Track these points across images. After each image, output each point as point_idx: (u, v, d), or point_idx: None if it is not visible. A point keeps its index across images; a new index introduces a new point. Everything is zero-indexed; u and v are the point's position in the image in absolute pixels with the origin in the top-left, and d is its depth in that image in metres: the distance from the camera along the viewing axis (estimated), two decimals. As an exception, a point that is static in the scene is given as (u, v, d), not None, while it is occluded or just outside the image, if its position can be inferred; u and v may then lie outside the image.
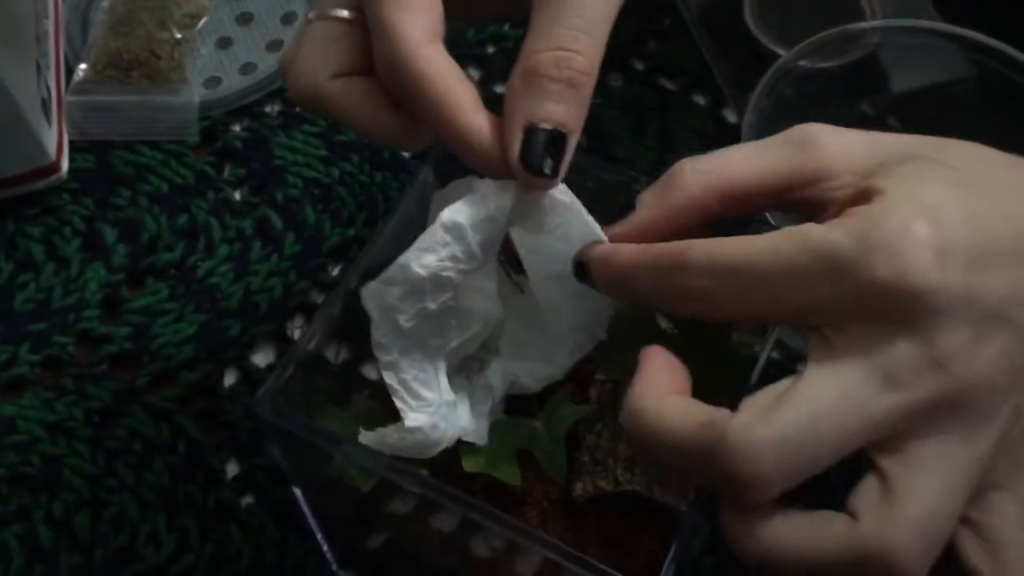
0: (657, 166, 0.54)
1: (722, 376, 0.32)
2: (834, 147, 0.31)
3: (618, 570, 0.33)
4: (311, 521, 0.39)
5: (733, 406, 0.28)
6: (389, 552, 0.41)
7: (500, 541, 0.36)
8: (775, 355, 0.48)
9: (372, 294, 0.32)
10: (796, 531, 0.28)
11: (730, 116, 0.55)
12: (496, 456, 0.35)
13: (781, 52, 0.49)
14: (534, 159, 0.31)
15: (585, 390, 0.37)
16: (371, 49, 0.33)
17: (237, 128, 0.54)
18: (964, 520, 0.30)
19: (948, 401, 0.28)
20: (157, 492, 0.43)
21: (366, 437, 0.33)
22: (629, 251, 0.31)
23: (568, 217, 0.33)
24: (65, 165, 0.52)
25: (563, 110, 0.32)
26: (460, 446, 0.35)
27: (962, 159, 0.31)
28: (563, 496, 0.35)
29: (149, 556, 0.41)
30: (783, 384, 0.28)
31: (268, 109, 0.55)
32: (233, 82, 0.56)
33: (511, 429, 0.36)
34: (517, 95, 0.32)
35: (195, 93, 0.54)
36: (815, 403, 0.27)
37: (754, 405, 0.28)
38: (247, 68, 0.56)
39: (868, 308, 0.28)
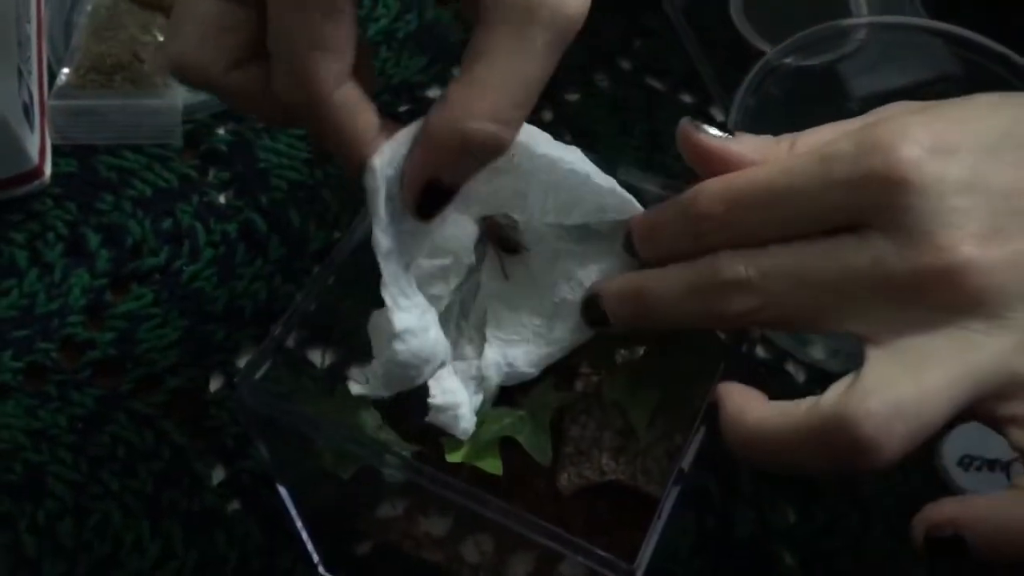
0: (644, 166, 0.54)
1: (700, 364, 0.33)
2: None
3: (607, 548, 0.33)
4: (297, 522, 0.39)
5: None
6: (377, 556, 0.40)
7: (489, 544, 0.36)
8: (764, 355, 0.48)
9: (373, 169, 0.31)
10: (770, 415, 0.29)
11: (717, 115, 0.55)
12: (479, 447, 0.35)
13: (767, 50, 0.49)
14: (428, 209, 0.32)
15: (570, 382, 0.37)
16: (262, 29, 0.31)
17: (221, 131, 0.54)
18: (1010, 420, 0.28)
19: (950, 296, 0.27)
20: (141, 499, 0.43)
21: (355, 387, 0.33)
22: (653, 209, 0.33)
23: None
24: (48, 170, 0.51)
25: (466, 177, 0.31)
26: (443, 437, 0.35)
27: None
28: (548, 487, 0.35)
29: (133, 563, 0.41)
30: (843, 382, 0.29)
31: (252, 112, 0.55)
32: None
33: (494, 419, 0.35)
34: (437, 145, 0.30)
35: (179, 97, 0.53)
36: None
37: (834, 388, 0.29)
38: (231, 71, 0.56)
39: (870, 206, 0.28)
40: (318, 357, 0.42)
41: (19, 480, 0.43)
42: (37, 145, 0.51)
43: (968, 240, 0.27)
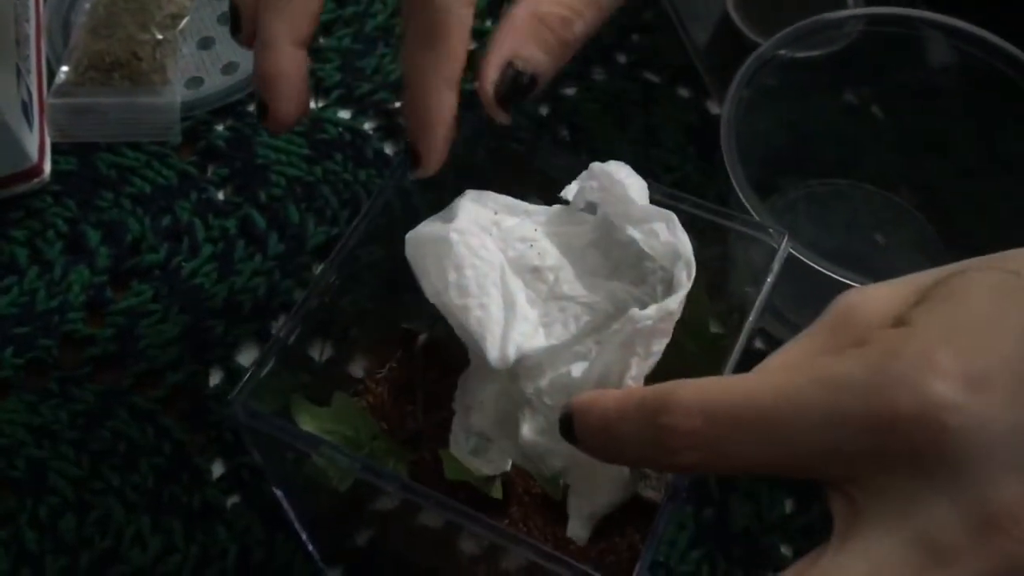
0: (641, 160, 0.54)
1: (698, 367, 0.32)
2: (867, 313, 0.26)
3: (600, 564, 0.33)
4: (295, 521, 0.39)
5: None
6: (375, 549, 0.41)
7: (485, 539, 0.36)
8: (761, 346, 0.48)
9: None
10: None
11: (714, 108, 0.55)
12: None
13: (762, 42, 0.49)
14: (507, 90, 0.34)
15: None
16: None
17: (220, 128, 0.54)
18: None
19: (1015, 572, 0.22)
20: (142, 493, 0.43)
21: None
22: (614, 395, 0.28)
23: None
24: (48, 168, 0.52)
25: (547, 62, 0.35)
26: (441, 448, 0.35)
27: (1020, 263, 0.25)
28: (545, 492, 0.35)
29: (135, 557, 0.41)
30: (804, 561, 0.24)
31: (251, 108, 0.55)
32: (215, 82, 0.56)
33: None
34: (515, 30, 0.34)
35: (177, 94, 0.54)
36: None
37: None
38: (229, 68, 0.56)
39: (894, 456, 0.23)
40: (316, 351, 0.42)
41: (21, 476, 0.43)
42: (36, 143, 0.51)
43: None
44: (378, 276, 0.40)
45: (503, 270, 0.33)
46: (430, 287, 0.33)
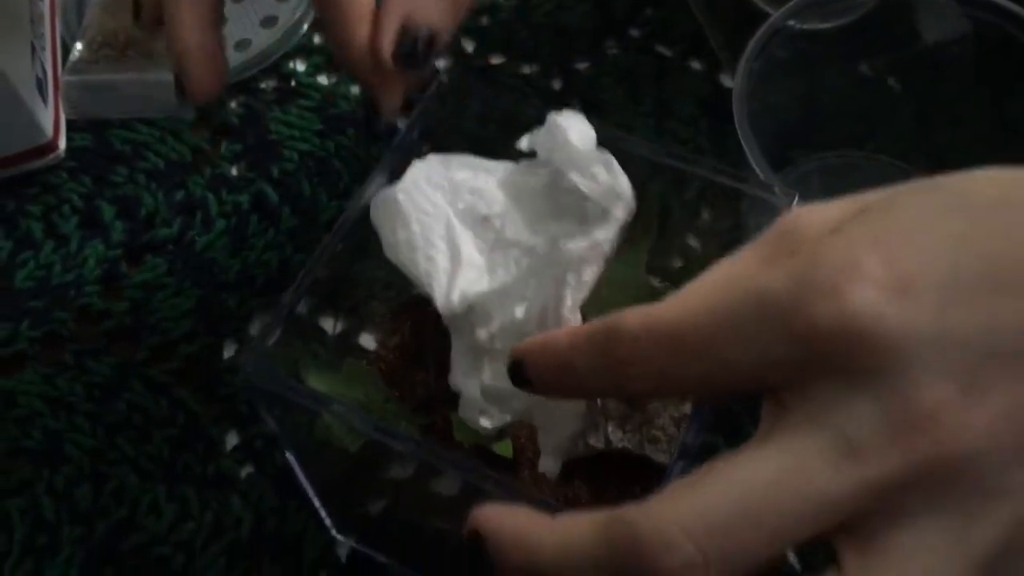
0: (654, 133, 0.54)
1: None
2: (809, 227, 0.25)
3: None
4: (308, 489, 0.39)
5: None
6: (388, 517, 0.41)
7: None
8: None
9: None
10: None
11: (727, 81, 0.55)
12: None
13: (775, 13, 0.48)
14: (406, 55, 0.35)
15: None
16: None
17: (233, 104, 0.54)
18: None
19: (932, 475, 0.22)
20: (157, 464, 0.43)
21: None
22: (563, 334, 0.27)
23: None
24: (63, 144, 0.52)
25: (442, 20, 0.35)
26: (452, 412, 0.35)
27: (964, 185, 0.25)
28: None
29: (150, 526, 0.42)
30: (723, 457, 0.24)
31: (263, 85, 0.55)
32: (228, 59, 0.56)
33: None
34: None
35: (190, 70, 0.54)
36: (748, 480, 0.23)
37: (678, 485, 0.24)
38: (242, 45, 0.57)
39: (819, 365, 0.23)
40: (330, 325, 0.43)
41: (37, 446, 0.44)
42: (51, 119, 0.51)
43: (950, 406, 0.22)
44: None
45: (448, 221, 0.34)
46: (386, 246, 0.34)
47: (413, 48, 0.35)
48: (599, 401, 0.34)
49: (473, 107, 0.38)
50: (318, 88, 0.55)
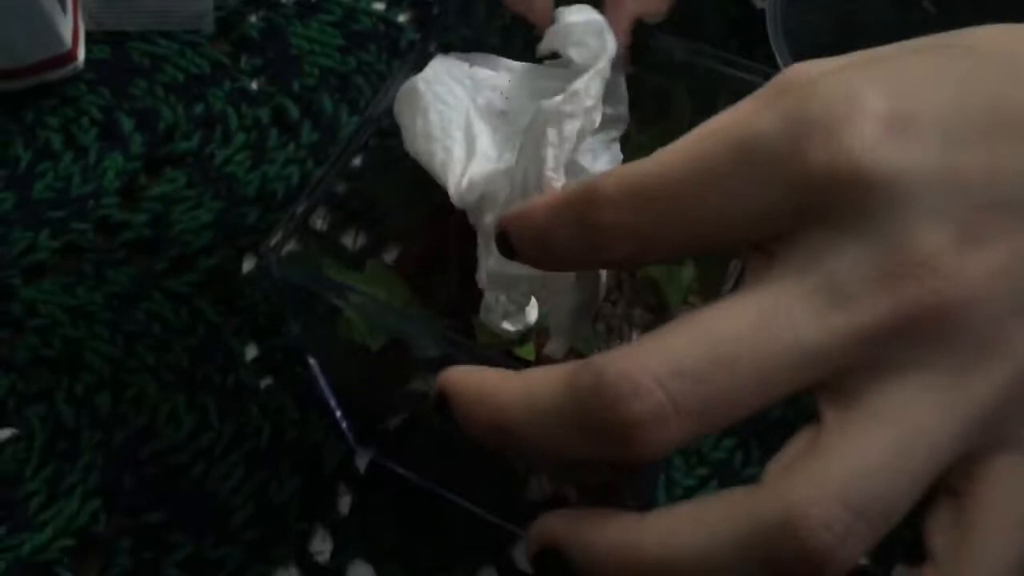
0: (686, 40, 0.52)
1: None
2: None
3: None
4: (329, 397, 0.39)
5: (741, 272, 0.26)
6: (408, 429, 0.41)
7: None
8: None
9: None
10: (683, 520, 0.22)
11: (757, 1, 0.54)
12: None
13: (810, -73, 0.47)
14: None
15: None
16: None
17: (253, 18, 0.54)
18: (946, 489, 0.22)
19: (924, 324, 0.21)
20: (176, 373, 0.43)
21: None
22: (542, 201, 0.25)
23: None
24: (81, 55, 0.51)
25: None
26: (474, 316, 0.35)
27: (974, 35, 0.23)
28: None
29: (169, 434, 0.42)
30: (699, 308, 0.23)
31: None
32: (248, -28, 0.55)
33: None
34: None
35: (210, -17, 0.53)
36: (725, 327, 0.21)
37: (649, 335, 0.22)
38: (263, -42, 0.55)
39: (812, 207, 0.21)
40: (350, 241, 0.42)
41: (57, 355, 0.44)
42: (70, 29, 0.51)
43: (946, 253, 0.20)
44: (408, 158, 0.39)
45: (467, 114, 0.33)
46: (406, 137, 0.33)
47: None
48: (603, 275, 0.33)
49: (496, 21, 0.37)
50: (339, 3, 0.54)
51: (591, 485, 0.36)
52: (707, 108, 0.38)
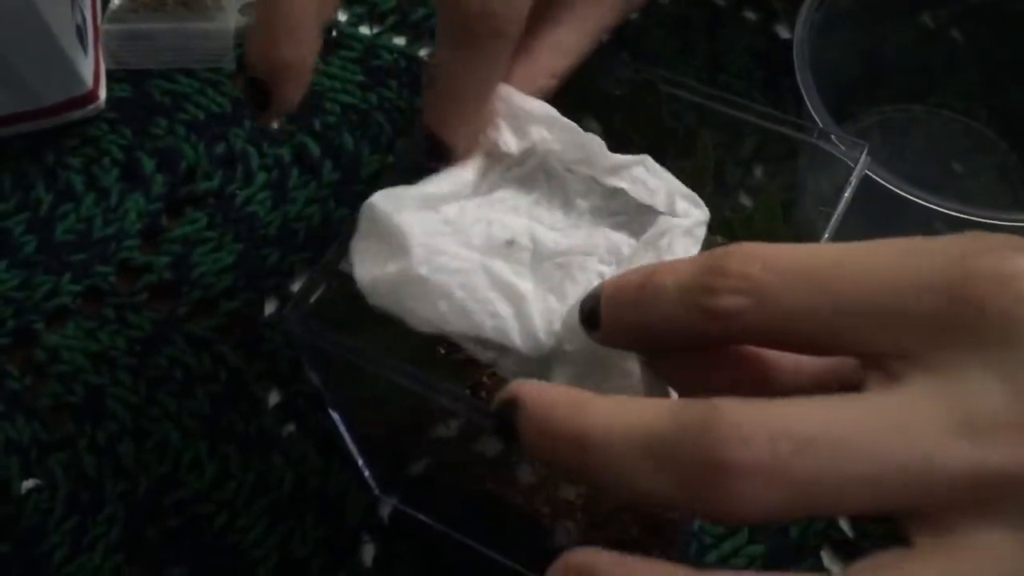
0: (707, 87, 0.52)
1: None
2: None
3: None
4: (351, 446, 0.39)
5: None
6: (431, 477, 0.40)
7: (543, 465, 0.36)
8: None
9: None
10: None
11: (783, 32, 0.53)
12: None
13: (837, -40, 0.46)
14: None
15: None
16: None
17: (274, 55, 0.53)
18: None
19: None
20: (199, 420, 0.43)
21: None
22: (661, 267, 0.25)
23: None
24: (103, 94, 0.51)
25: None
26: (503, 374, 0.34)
27: None
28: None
29: (192, 483, 0.41)
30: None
31: (305, 35, 0.54)
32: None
33: None
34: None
35: (230, 20, 0.53)
36: (848, 414, 0.21)
37: (773, 399, 0.21)
38: (283, -7, 0.55)
39: (955, 323, 0.21)
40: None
41: (79, 402, 0.43)
42: (91, 68, 0.51)
43: None
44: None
45: (483, 267, 0.30)
46: (422, 323, 0.30)
47: None
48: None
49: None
50: (360, 39, 0.54)
51: (624, 540, 0.35)
52: (731, 145, 0.37)
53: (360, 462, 0.40)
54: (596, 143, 0.32)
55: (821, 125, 0.40)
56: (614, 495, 0.25)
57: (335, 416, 0.37)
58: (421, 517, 0.41)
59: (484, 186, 0.33)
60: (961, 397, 0.20)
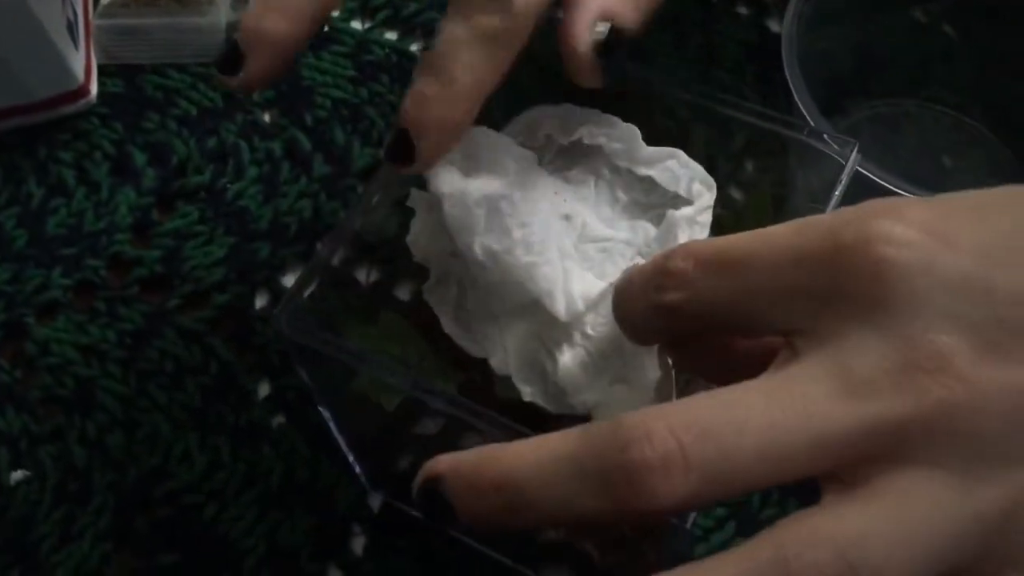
0: (700, 81, 0.52)
1: None
2: None
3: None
4: (341, 442, 0.39)
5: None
6: (417, 471, 0.40)
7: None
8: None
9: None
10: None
11: (774, 26, 0.53)
12: None
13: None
14: (604, 51, 0.32)
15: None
16: None
17: (266, 49, 0.53)
18: None
19: (935, 422, 0.21)
20: (189, 412, 0.43)
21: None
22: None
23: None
24: (94, 89, 0.51)
25: (635, 16, 0.33)
26: (494, 372, 0.34)
27: None
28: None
29: (182, 474, 0.41)
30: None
31: (297, 30, 0.54)
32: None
33: None
34: None
35: (222, 15, 0.53)
36: (743, 400, 0.22)
37: (670, 401, 0.24)
38: (275, -12, 0.55)
39: (837, 294, 0.22)
40: (363, 275, 0.42)
41: (69, 394, 0.43)
42: (83, 63, 0.51)
43: (962, 357, 0.21)
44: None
45: (550, 223, 0.33)
46: (481, 246, 0.31)
47: (607, 48, 0.32)
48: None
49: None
50: (351, 34, 0.54)
51: (611, 542, 0.35)
52: (722, 142, 0.37)
53: (350, 457, 0.40)
54: (633, 132, 0.35)
55: (809, 119, 0.40)
56: (560, 524, 0.28)
57: (325, 413, 0.37)
58: (411, 511, 0.41)
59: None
60: (843, 360, 0.21)
